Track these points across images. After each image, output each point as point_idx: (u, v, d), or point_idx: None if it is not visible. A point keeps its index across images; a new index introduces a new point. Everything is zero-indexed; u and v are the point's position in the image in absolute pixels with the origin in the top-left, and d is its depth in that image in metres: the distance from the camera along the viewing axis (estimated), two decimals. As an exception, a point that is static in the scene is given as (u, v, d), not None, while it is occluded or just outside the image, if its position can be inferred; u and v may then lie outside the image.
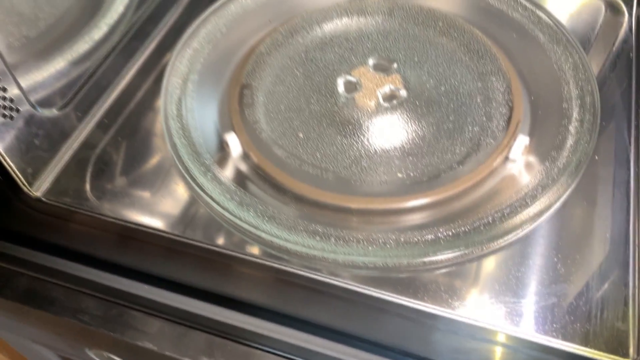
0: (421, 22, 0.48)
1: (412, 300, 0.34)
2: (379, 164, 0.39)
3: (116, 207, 0.40)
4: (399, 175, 0.39)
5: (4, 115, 0.38)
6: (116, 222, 0.39)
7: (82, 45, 0.47)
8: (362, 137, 0.41)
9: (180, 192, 0.40)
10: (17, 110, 0.39)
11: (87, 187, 0.41)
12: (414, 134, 0.41)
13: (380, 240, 0.35)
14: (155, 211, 0.39)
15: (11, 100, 0.38)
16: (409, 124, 0.41)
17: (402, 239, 0.35)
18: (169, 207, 0.39)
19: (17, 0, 0.50)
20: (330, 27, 0.49)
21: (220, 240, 0.37)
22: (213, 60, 0.46)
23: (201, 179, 0.38)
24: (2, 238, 0.41)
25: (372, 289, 0.34)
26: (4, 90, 0.38)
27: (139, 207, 0.40)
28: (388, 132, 0.41)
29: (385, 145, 0.40)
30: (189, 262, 0.38)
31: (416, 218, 0.38)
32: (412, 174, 0.39)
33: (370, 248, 0.35)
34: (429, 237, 0.35)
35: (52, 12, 0.50)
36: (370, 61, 0.46)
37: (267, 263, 0.36)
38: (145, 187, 0.41)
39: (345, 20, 0.49)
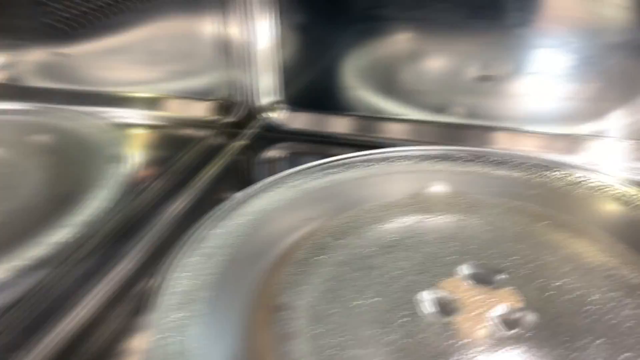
0: (517, 220, 0.35)
1: None
2: None
3: None
4: None
5: None
6: None
7: (38, 250, 0.33)
8: (487, 388, 0.24)
9: None
10: None
11: None
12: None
13: None
14: None
15: None
16: (557, 365, 0.26)
17: None
18: None
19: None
20: (396, 225, 0.35)
21: None
22: (230, 271, 0.31)
23: None
24: None
25: None
26: None
27: None
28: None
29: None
30: None
31: None
32: None
33: None
34: None
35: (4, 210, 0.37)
36: (465, 270, 0.31)
37: None
38: None
39: (413, 218, 0.36)
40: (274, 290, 0.30)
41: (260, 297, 0.30)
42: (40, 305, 0.32)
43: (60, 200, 0.39)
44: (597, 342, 0.27)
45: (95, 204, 0.38)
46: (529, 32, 0.44)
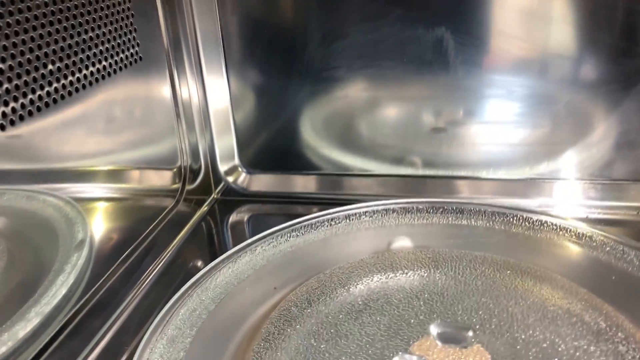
0: (480, 272, 0.36)
1: None
2: None
3: None
4: None
5: None
6: None
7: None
8: None
9: None
10: None
11: None
12: None
13: None
14: None
15: None
16: None
17: None
18: None
19: None
20: (360, 288, 0.35)
21: None
22: (199, 352, 0.31)
23: None
24: None
25: None
26: None
27: None
28: None
29: None
30: None
31: None
32: None
33: None
34: None
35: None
36: (433, 330, 0.31)
37: None
38: None
39: (378, 278, 0.36)
40: (244, 369, 0.30)
41: (230, 378, 0.30)
42: None
43: (22, 289, 0.37)
44: (568, 395, 0.27)
45: (59, 290, 0.37)
46: (476, 83, 0.46)
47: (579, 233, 0.39)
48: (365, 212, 0.43)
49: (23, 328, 0.33)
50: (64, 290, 0.37)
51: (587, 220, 0.44)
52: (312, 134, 0.52)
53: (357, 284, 0.35)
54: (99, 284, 0.39)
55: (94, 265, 0.40)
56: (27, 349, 0.33)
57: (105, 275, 0.40)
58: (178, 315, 0.33)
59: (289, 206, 0.51)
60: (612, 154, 0.45)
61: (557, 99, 0.45)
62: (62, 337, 0.35)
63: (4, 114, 0.34)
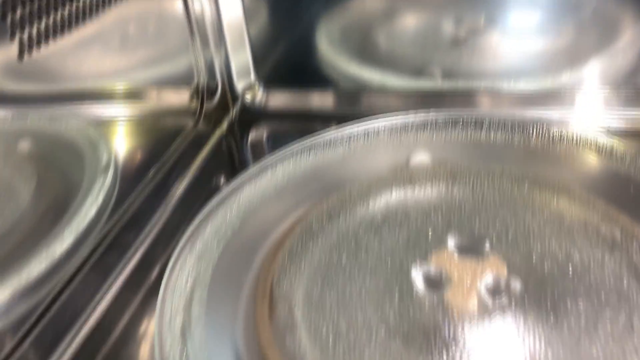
0: (499, 185, 0.36)
1: None
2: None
3: None
4: None
5: None
6: None
7: (38, 265, 0.33)
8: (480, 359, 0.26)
9: None
10: None
11: None
12: (560, 347, 0.26)
13: None
14: None
15: None
16: (545, 329, 0.27)
17: None
18: None
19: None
20: (379, 204, 0.36)
21: None
22: (226, 266, 0.32)
23: None
24: None
25: None
26: None
27: None
28: (518, 347, 0.26)
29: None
30: None
31: None
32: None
33: None
34: None
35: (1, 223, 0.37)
36: (450, 242, 0.32)
37: None
38: None
39: (397, 194, 0.37)
40: (270, 282, 0.31)
41: (257, 290, 0.31)
42: (60, 310, 0.33)
43: (53, 210, 0.39)
44: (580, 302, 0.28)
45: (89, 210, 0.38)
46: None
47: (598, 145, 0.39)
48: (384, 126, 0.43)
49: (59, 246, 0.35)
50: (94, 210, 0.38)
51: (609, 132, 0.43)
52: (329, 47, 0.51)
53: (376, 200, 0.36)
54: (126, 203, 0.40)
55: (120, 185, 0.41)
56: (64, 267, 0.35)
57: (132, 195, 0.41)
58: (205, 232, 0.34)
59: (307, 123, 0.51)
60: (638, 61, 0.44)
61: (583, 4, 0.43)
62: (96, 254, 0.36)
63: (21, 41, 0.34)
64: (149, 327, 0.33)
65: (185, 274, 0.31)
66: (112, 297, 0.35)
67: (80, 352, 0.31)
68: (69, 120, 0.49)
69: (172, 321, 0.28)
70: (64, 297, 0.33)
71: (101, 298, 0.34)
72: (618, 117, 0.45)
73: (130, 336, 0.33)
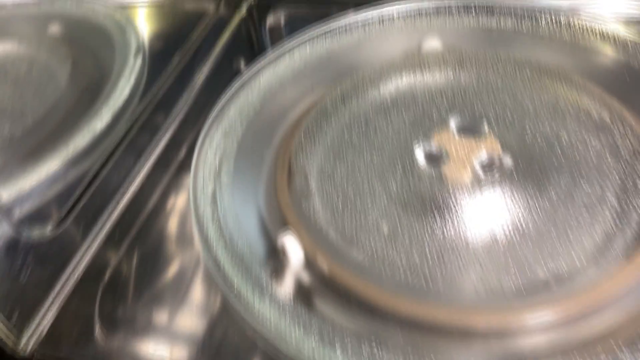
0: (502, 71, 0.39)
1: None
2: (504, 260, 0.28)
3: (137, 350, 0.28)
4: (539, 272, 0.27)
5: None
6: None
7: (81, 140, 0.37)
8: (468, 223, 0.30)
9: (221, 323, 0.29)
10: (-6, 236, 0.28)
11: (97, 327, 0.29)
12: (539, 214, 0.30)
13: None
14: (190, 349, 0.28)
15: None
16: (528, 199, 0.31)
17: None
18: (208, 344, 0.28)
19: (-4, 94, 0.42)
20: (389, 88, 0.39)
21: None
22: (249, 143, 0.36)
23: (259, 307, 0.27)
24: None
25: None
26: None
27: (167, 346, 0.28)
28: (502, 214, 0.30)
29: (505, 233, 0.29)
30: None
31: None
32: (553, 269, 0.28)
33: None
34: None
35: (41, 104, 0.41)
36: (452, 123, 0.36)
37: None
38: (173, 318, 0.30)
39: (406, 79, 0.39)
40: (288, 156, 0.35)
41: (277, 163, 0.35)
42: (101, 185, 0.37)
43: (89, 89, 0.42)
44: (563, 177, 0.32)
45: (123, 91, 0.41)
46: None
47: (603, 33, 0.40)
48: (398, 13, 0.45)
49: (99, 123, 0.38)
50: (127, 91, 0.41)
51: (617, 21, 0.44)
52: None
53: (387, 84, 0.39)
54: (155, 86, 0.43)
55: (149, 68, 0.44)
56: (103, 143, 0.39)
57: (160, 78, 0.44)
58: (229, 112, 0.38)
59: (323, 7, 0.52)
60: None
61: None
62: (130, 134, 0.40)
63: None
64: (179, 201, 0.38)
65: (213, 148, 0.35)
66: (145, 174, 0.39)
67: (119, 223, 0.36)
68: (95, 5, 0.51)
69: (204, 188, 0.33)
70: (103, 173, 0.37)
71: (136, 175, 0.38)
72: (628, 6, 0.46)
73: (162, 209, 0.37)
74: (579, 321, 0.26)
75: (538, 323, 0.26)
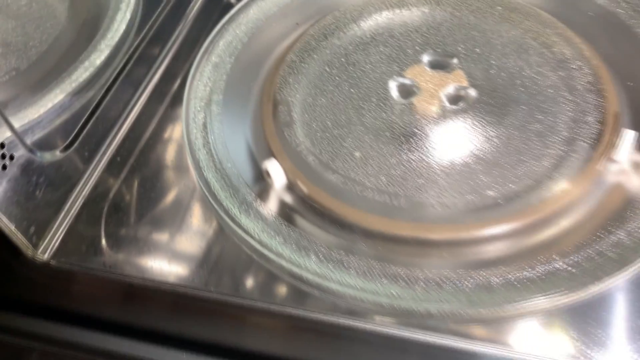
0: (476, 8, 0.41)
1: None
2: (461, 181, 0.32)
3: (139, 263, 0.32)
4: (490, 193, 0.31)
5: (-5, 165, 0.31)
6: (144, 282, 0.32)
7: (83, 73, 0.40)
8: (431, 149, 0.33)
9: (215, 238, 0.33)
10: (11, 158, 0.31)
11: (103, 242, 0.34)
12: (496, 141, 0.33)
13: (493, 282, 0.28)
14: (188, 263, 0.32)
15: (2, 146, 0.31)
16: (487, 128, 0.34)
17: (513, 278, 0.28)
18: (205, 258, 0.32)
19: (0, 29, 0.44)
20: (369, 24, 0.41)
21: (276, 296, 0.30)
22: (237, 75, 0.39)
23: (245, 221, 0.31)
24: (6, 309, 0.33)
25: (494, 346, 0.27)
26: (-7, 134, 0.31)
27: (166, 260, 0.32)
28: (463, 141, 0.34)
29: (464, 158, 0.33)
30: (237, 324, 0.30)
31: (514, 247, 0.30)
32: (502, 190, 0.31)
33: (480, 293, 0.27)
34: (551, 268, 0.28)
35: (43, 38, 0.43)
36: (425, 58, 0.38)
37: (340, 321, 0.28)
38: (172, 235, 0.34)
39: (385, 14, 0.42)
40: (273, 89, 0.38)
41: (263, 95, 0.39)
42: (101, 114, 0.39)
43: (88, 26, 0.44)
44: (521, 109, 0.35)
45: (120, 26, 0.43)
46: None
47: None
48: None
49: (98, 57, 0.41)
50: (123, 26, 0.43)
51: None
52: None
53: (367, 20, 0.41)
54: (150, 20, 0.46)
55: (144, 3, 0.46)
56: (103, 75, 0.41)
57: (155, 13, 0.46)
58: (218, 46, 0.40)
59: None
60: None
61: None
62: (127, 67, 0.42)
63: None
64: (174, 130, 0.41)
65: (204, 81, 0.38)
66: (142, 105, 0.41)
67: (119, 150, 0.39)
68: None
69: (196, 118, 0.36)
70: (104, 103, 0.40)
71: (134, 105, 0.41)
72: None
73: (159, 137, 0.40)
74: (523, 234, 0.30)
75: (485, 236, 0.30)
